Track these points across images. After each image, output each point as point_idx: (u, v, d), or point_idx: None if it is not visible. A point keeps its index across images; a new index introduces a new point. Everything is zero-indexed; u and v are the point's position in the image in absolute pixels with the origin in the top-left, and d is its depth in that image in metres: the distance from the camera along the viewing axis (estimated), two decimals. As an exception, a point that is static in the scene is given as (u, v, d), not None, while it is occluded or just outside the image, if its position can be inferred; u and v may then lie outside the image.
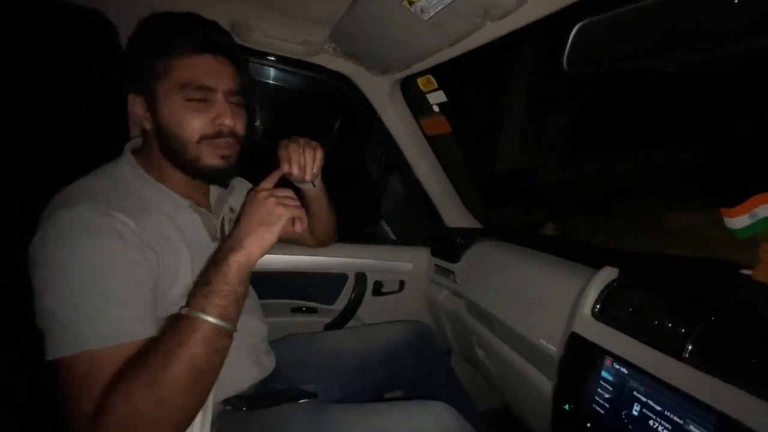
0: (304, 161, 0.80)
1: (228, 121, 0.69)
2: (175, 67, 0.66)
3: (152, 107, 0.68)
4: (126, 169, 0.70)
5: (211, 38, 0.69)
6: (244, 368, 0.81)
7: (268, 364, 0.88)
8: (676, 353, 0.60)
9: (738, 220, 0.65)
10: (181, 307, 0.59)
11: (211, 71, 0.68)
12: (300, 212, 0.67)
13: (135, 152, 0.74)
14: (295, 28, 1.03)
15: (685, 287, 0.67)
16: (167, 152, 0.70)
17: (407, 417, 0.75)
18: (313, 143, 0.82)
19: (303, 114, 1.71)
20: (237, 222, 0.65)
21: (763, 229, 0.64)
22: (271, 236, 0.63)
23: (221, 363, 0.59)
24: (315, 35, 1.05)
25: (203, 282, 0.60)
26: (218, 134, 0.69)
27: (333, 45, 1.09)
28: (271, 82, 1.49)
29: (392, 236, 1.74)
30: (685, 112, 0.80)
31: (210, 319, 0.57)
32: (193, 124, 0.67)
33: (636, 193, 0.95)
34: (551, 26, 0.64)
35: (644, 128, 0.86)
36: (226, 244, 0.63)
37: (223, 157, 0.71)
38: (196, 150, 0.68)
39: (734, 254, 0.78)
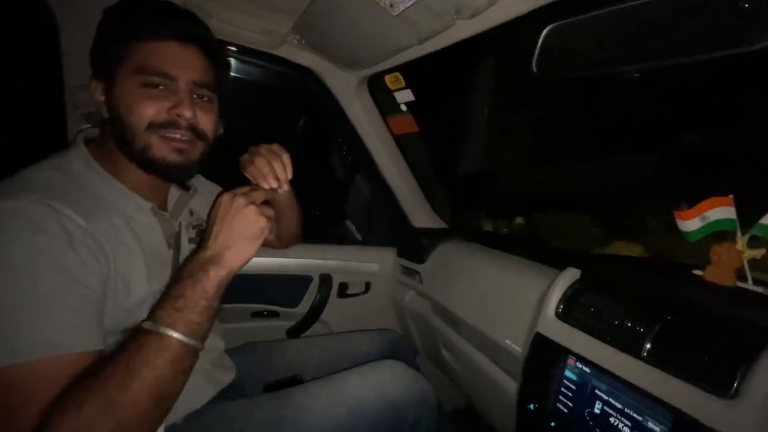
0: (275, 171, 0.72)
1: (186, 112, 0.62)
2: (137, 51, 0.61)
3: (109, 93, 0.62)
4: (78, 162, 0.62)
5: (181, 25, 0.63)
6: (198, 386, 0.75)
7: (226, 378, 0.83)
8: (635, 352, 0.62)
9: (689, 223, 0.68)
10: (145, 320, 0.53)
11: (175, 59, 0.62)
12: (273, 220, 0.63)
13: (90, 144, 0.66)
14: (256, 15, 0.97)
15: (642, 288, 0.69)
16: (119, 142, 0.63)
17: (364, 376, 0.81)
18: (275, 147, 0.76)
19: (264, 109, 1.64)
20: (210, 230, 0.59)
21: (711, 232, 0.67)
22: (253, 250, 0.59)
23: (184, 384, 0.54)
24: (278, 25, 1.00)
25: (175, 295, 0.54)
26: (170, 124, 0.63)
27: (297, 36, 1.04)
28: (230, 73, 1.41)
29: (358, 236, 1.71)
30: (645, 118, 0.84)
31: (181, 337, 0.52)
32: (144, 110, 0.61)
33: (596, 196, 0.98)
34: (521, 28, 0.64)
35: (606, 132, 0.89)
36: (201, 254, 0.57)
37: (177, 151, 0.64)
38: (145, 138, 0.62)
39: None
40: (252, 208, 0.59)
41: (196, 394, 0.75)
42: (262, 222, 0.59)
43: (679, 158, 0.83)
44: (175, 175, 0.68)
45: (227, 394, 0.83)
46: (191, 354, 0.54)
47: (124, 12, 0.63)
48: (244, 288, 1.23)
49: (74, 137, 0.67)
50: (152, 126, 0.62)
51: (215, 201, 0.62)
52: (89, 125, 0.74)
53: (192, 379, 0.71)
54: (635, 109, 0.89)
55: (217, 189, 0.98)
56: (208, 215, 0.61)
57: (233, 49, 1.10)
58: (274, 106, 1.60)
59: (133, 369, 0.48)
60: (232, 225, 0.58)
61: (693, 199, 0.69)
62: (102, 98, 0.63)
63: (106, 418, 0.45)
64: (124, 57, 0.61)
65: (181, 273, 0.56)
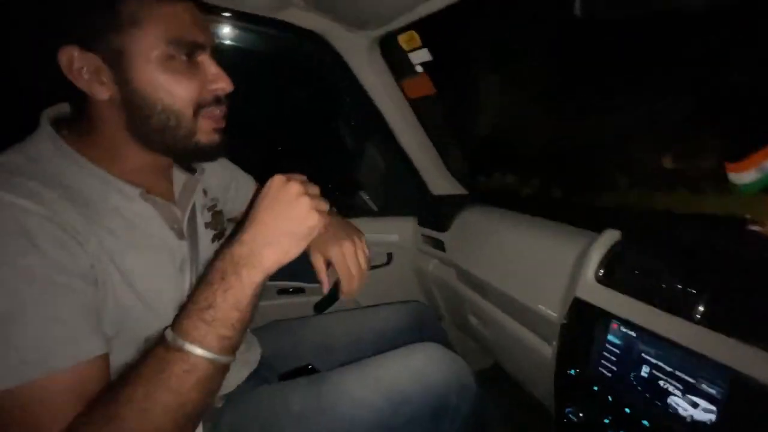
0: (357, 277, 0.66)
1: (228, 85, 0.56)
2: (151, 16, 0.50)
3: (115, 69, 0.51)
4: (44, 146, 0.52)
5: None
6: (230, 371, 0.75)
7: (253, 358, 0.82)
8: (687, 315, 0.59)
9: (746, 175, 0.63)
10: (168, 329, 0.46)
11: (198, 24, 0.54)
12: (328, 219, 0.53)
13: (63, 123, 0.57)
14: (257, -24, 0.89)
15: (693, 247, 0.65)
16: (140, 128, 0.54)
17: (402, 362, 0.77)
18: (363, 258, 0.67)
19: (270, 79, 1.57)
20: (253, 218, 0.50)
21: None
22: (296, 252, 0.50)
23: (213, 397, 0.49)
24: (282, -15, 0.92)
25: (204, 303, 0.46)
26: (215, 101, 0.56)
27: (303, -3, 0.96)
28: (228, 42, 1.34)
29: (374, 207, 1.68)
30: (684, 60, 0.77)
31: (211, 355, 0.45)
32: (187, 91, 0.53)
33: (630, 150, 0.92)
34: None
35: (637, 79, 0.82)
36: (236, 249, 0.48)
37: (218, 131, 0.58)
38: (192, 124, 0.55)
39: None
40: (307, 200, 0.49)
41: (228, 379, 0.74)
42: (314, 219, 0.49)
43: (724, 101, 0.76)
44: (217, 156, 0.61)
45: (260, 373, 0.83)
46: (222, 371, 0.48)
47: None
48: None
49: (40, 117, 0.56)
50: (199, 108, 0.55)
51: (259, 186, 0.54)
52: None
53: None
54: (666, 47, 0.81)
55: (243, 173, 0.92)
56: (252, 199, 0.54)
57: (229, 15, 1.03)
58: (280, 76, 1.52)
59: (153, 395, 0.43)
60: (280, 217, 0.49)
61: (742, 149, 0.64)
62: (93, 74, 0.51)
63: None
64: (132, 21, 0.50)
65: (210, 273, 0.48)
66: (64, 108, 0.60)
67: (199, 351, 0.44)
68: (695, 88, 0.80)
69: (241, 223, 0.53)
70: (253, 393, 0.76)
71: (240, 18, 1.05)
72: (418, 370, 0.75)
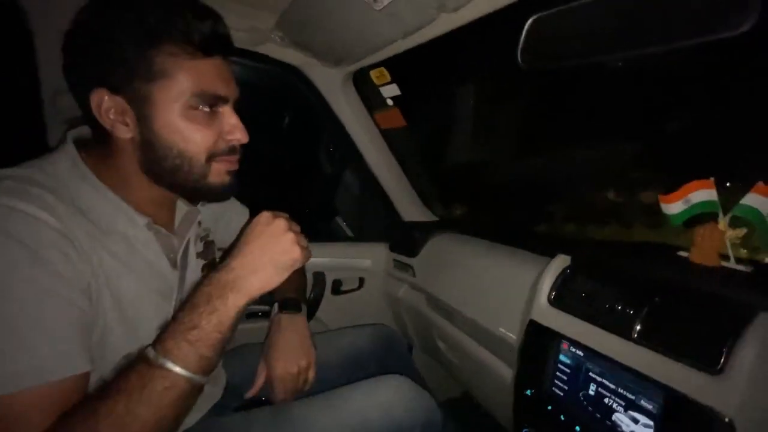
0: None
1: (244, 138, 0.59)
2: (183, 70, 0.53)
3: (140, 113, 0.54)
4: (64, 165, 0.55)
5: (220, 33, 0.56)
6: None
7: (218, 389, 0.81)
8: (626, 334, 0.64)
9: (673, 206, 0.70)
10: (150, 347, 0.48)
11: (224, 77, 0.57)
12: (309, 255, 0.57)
13: (82, 148, 0.58)
14: (238, 13, 0.95)
15: (631, 272, 0.71)
16: (154, 167, 0.57)
17: (369, 394, 0.77)
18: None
19: (248, 108, 1.61)
20: (240, 248, 0.54)
21: (694, 214, 0.69)
22: (278, 281, 0.54)
23: (185, 415, 0.50)
24: (261, 22, 0.98)
25: (189, 324, 0.48)
26: (230, 151, 0.59)
27: (280, 34, 1.03)
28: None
29: (349, 233, 1.71)
30: (629, 106, 0.86)
31: (190, 375, 0.47)
32: (203, 140, 0.56)
33: (582, 184, 1.00)
34: (505, 19, 0.64)
35: (591, 122, 0.90)
36: (222, 275, 0.52)
37: (230, 174, 0.61)
38: (204, 169, 0.58)
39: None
40: (291, 236, 0.54)
41: (192, 414, 0.73)
42: (297, 253, 0.54)
43: (660, 144, 0.85)
44: (225, 196, 0.64)
45: (224, 396, 0.82)
46: (197, 390, 0.49)
47: (146, 9, 0.51)
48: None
49: (63, 135, 0.59)
50: (212, 156, 0.57)
51: (248, 219, 0.58)
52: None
53: None
54: (615, 97, 0.91)
55: (238, 204, 0.94)
56: (241, 231, 0.57)
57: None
58: (258, 105, 1.58)
59: (134, 410, 0.44)
60: (267, 248, 0.53)
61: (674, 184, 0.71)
62: (119, 115, 0.54)
63: None
64: (160, 72, 0.52)
65: (197, 296, 0.51)
66: (86, 130, 0.61)
67: (179, 369, 0.46)
68: (639, 132, 0.89)
69: (228, 251, 0.56)
70: (214, 423, 0.74)
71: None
72: (384, 402, 0.75)
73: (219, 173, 0.59)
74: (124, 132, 0.55)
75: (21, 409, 0.43)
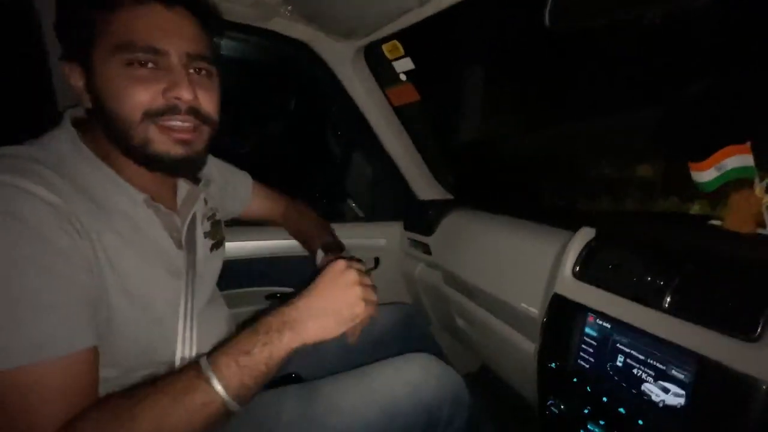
0: None
1: (185, 93, 0.54)
2: (113, 22, 0.51)
3: (89, 77, 0.54)
4: (66, 144, 0.54)
5: None
6: None
7: None
8: (656, 305, 0.63)
9: (705, 173, 0.68)
10: (203, 359, 0.48)
11: (162, 27, 0.53)
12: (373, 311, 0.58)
13: (78, 126, 0.57)
14: (245, -13, 0.92)
15: (660, 241, 0.69)
16: (111, 136, 0.55)
17: (396, 372, 0.76)
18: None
19: (256, 89, 1.59)
20: (310, 290, 0.55)
21: (728, 180, 0.66)
22: (334, 333, 0.54)
23: None
24: (268, -4, 0.95)
25: (244, 348, 0.49)
26: (169, 110, 0.54)
27: (289, 7, 0.99)
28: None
29: (360, 213, 1.70)
30: (650, 69, 0.82)
31: (228, 399, 0.47)
32: (135, 97, 0.52)
33: (604, 154, 0.97)
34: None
35: (613, 88, 0.87)
36: (287, 311, 0.53)
37: (182, 143, 0.56)
38: (142, 132, 0.54)
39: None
40: (359, 290, 0.55)
41: None
42: (360, 308, 0.55)
43: (688, 109, 0.81)
44: (182, 170, 0.61)
45: None
46: (226, 416, 0.49)
47: None
48: (256, 271, 1.23)
49: (62, 114, 0.59)
50: (148, 115, 0.53)
51: (327, 264, 0.57)
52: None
53: None
54: (638, 60, 0.86)
55: (237, 171, 0.95)
56: (317, 274, 0.56)
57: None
58: (267, 85, 1.55)
59: (172, 413, 0.45)
60: (333, 297, 0.54)
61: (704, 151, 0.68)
62: (80, 84, 0.54)
63: None
64: (97, 31, 0.51)
65: (260, 325, 0.52)
66: (81, 112, 0.61)
67: (220, 389, 0.47)
68: (665, 97, 0.85)
69: (299, 291, 0.57)
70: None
71: (229, 28, 1.08)
72: (411, 381, 0.74)
73: (164, 141, 0.55)
74: (87, 101, 0.55)
75: (26, 386, 0.43)
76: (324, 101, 1.57)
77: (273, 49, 1.21)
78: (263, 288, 1.27)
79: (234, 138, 1.69)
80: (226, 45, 1.28)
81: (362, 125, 1.28)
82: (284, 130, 1.82)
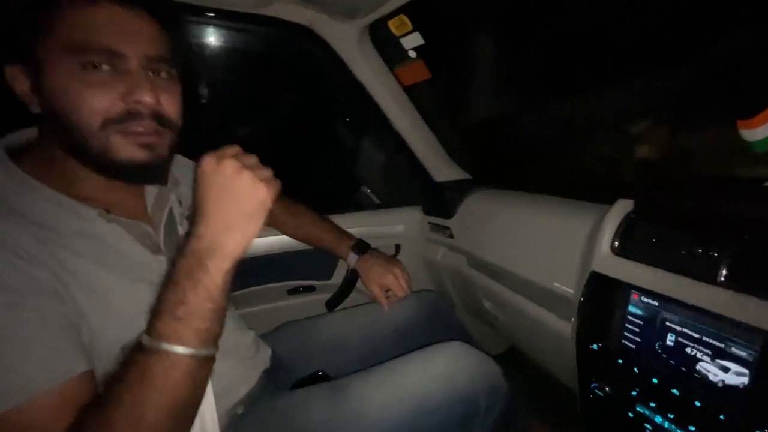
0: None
1: (147, 97, 0.50)
2: (63, 21, 0.47)
3: (37, 80, 0.49)
4: None
5: None
6: (237, 377, 0.73)
7: (262, 358, 0.81)
8: (710, 279, 0.58)
9: (759, 131, 0.61)
10: (143, 334, 0.45)
11: (119, 28, 0.49)
12: (278, 185, 0.50)
13: (25, 150, 0.54)
14: (240, -29, 0.87)
15: (710, 210, 0.64)
16: (65, 144, 0.52)
17: (426, 364, 0.73)
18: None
19: (262, 78, 1.54)
20: (199, 212, 0.48)
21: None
22: (255, 230, 0.48)
23: (204, 390, 0.49)
24: (265, -21, 0.90)
25: (174, 301, 0.45)
26: (131, 116, 0.51)
27: (287, -10, 0.94)
28: (213, 43, 1.31)
29: (376, 200, 1.67)
30: (674, 32, 0.75)
31: (190, 351, 0.44)
32: (93, 103, 0.49)
33: (636, 120, 0.90)
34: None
35: (643, 49, 0.79)
36: (195, 245, 0.47)
37: (144, 147, 0.53)
38: (101, 139, 0.50)
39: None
40: (247, 175, 0.47)
41: (241, 383, 0.73)
42: (262, 192, 0.47)
43: (727, 63, 0.74)
44: (146, 177, 0.58)
45: (276, 376, 0.82)
46: (206, 363, 0.47)
47: None
48: (276, 267, 1.21)
49: None
50: (108, 122, 0.50)
51: (195, 172, 0.48)
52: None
53: (229, 371, 0.68)
54: (667, 17, 0.79)
55: (188, 162, 0.88)
56: (193, 192, 0.49)
57: (212, 15, 1.01)
58: (274, 74, 1.50)
59: (140, 399, 0.42)
60: (224, 200, 0.47)
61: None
62: (26, 88, 0.50)
63: None
64: (45, 30, 0.47)
65: (176, 272, 0.47)
66: (21, 134, 0.57)
67: (176, 348, 0.44)
68: (697, 56, 0.78)
69: (191, 217, 0.50)
70: (272, 400, 0.74)
71: (227, 17, 1.03)
72: (445, 373, 0.71)
73: (126, 147, 0.51)
74: (35, 107, 0.51)
75: (26, 423, 0.41)
76: (331, 88, 1.52)
77: (276, 38, 1.16)
78: (284, 283, 1.26)
79: (244, 130, 1.67)
80: (230, 37, 1.24)
81: (372, 109, 1.23)
82: (293, 120, 1.78)
